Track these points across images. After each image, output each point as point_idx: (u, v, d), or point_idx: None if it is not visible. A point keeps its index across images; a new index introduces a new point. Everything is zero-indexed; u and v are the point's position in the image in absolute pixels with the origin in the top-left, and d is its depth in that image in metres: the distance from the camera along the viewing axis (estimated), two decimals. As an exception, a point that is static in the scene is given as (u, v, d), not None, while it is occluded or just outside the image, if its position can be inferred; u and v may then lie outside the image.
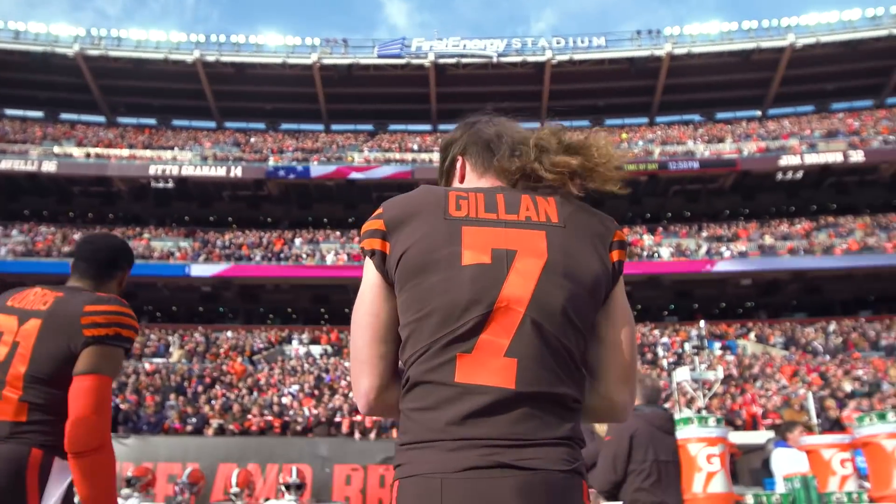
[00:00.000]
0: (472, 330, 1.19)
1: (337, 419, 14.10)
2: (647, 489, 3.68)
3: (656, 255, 27.60)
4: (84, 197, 33.19)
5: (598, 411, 1.36)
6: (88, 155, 31.13)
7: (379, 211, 1.36)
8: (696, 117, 37.40)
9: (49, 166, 29.86)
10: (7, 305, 2.18)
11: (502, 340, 1.19)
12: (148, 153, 31.78)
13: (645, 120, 37.66)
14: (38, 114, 37.06)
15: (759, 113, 36.61)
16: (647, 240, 29.26)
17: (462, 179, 1.49)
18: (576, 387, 1.25)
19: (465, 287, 1.20)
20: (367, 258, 1.32)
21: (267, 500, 7.89)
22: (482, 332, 1.19)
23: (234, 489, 7.38)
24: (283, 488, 7.69)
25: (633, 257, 27.65)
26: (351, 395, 16.27)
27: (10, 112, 36.80)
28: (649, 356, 22.30)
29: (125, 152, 31.70)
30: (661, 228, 30.77)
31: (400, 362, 1.29)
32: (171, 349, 22.57)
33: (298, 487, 7.62)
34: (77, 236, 29.11)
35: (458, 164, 1.51)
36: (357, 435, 13.39)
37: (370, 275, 1.31)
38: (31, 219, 31.81)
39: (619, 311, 1.37)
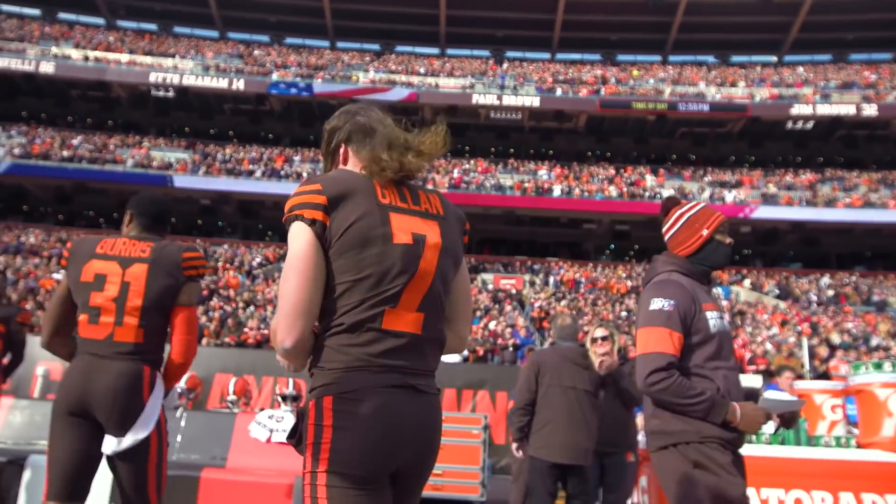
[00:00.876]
0: (398, 292, 1.63)
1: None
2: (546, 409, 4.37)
3: (658, 196, 27.48)
4: (83, 101, 32.55)
5: (451, 345, 1.84)
6: (87, 58, 30.36)
7: (317, 186, 1.66)
8: (711, 59, 36.53)
9: (46, 67, 29.13)
10: (100, 253, 2.69)
11: (415, 300, 1.66)
12: (148, 60, 30.99)
13: (658, 58, 36.79)
14: (36, 11, 35.87)
15: (774, 59, 35.80)
16: (650, 180, 29.07)
17: (345, 164, 1.86)
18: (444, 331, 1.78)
19: (397, 260, 1.63)
20: (303, 223, 1.62)
21: (262, 409, 8.04)
22: (403, 293, 1.64)
23: (231, 397, 7.48)
24: (279, 398, 7.83)
25: (634, 197, 27.56)
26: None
27: (6, 8, 35.62)
28: (643, 296, 22.52)
29: (125, 57, 30.90)
30: (664, 170, 30.52)
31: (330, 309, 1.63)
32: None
33: (295, 398, 7.75)
34: (76, 141, 28.72)
35: (342, 151, 1.88)
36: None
37: (309, 239, 1.61)
38: (28, 121, 31.25)
39: (464, 274, 1.87)
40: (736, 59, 36.27)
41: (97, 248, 2.70)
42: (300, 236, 1.61)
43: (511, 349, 13.70)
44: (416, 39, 36.92)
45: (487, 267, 25.72)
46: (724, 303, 21.97)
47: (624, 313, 19.34)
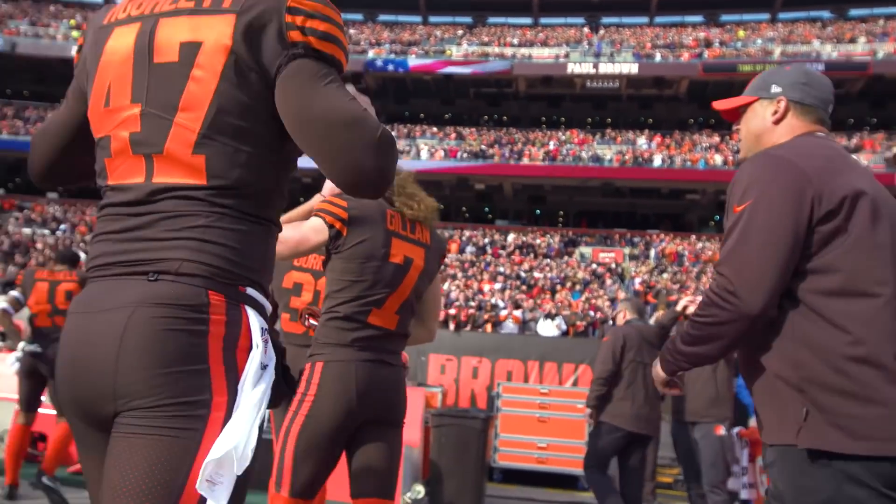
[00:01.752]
0: (383, 299, 2.20)
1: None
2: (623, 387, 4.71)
3: (767, 163, 26.08)
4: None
5: (422, 337, 2.55)
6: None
7: (344, 203, 2.20)
8: (825, 14, 34.03)
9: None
10: (296, 265, 3.15)
11: (395, 305, 2.24)
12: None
13: (766, 16, 34.63)
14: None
15: (900, 9, 32.93)
16: (758, 147, 27.57)
17: None
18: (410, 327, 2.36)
19: (388, 275, 2.21)
20: (323, 224, 2.17)
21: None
22: (387, 300, 2.21)
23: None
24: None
25: (741, 165, 26.29)
26: (447, 286, 16.67)
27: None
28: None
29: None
30: (774, 135, 28.85)
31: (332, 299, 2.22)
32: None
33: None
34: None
35: None
36: (451, 327, 13.80)
37: (323, 237, 2.18)
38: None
39: (436, 284, 2.51)
40: (855, 12, 33.60)
41: (294, 261, 3.10)
42: (320, 231, 2.18)
43: (612, 323, 13.46)
44: (508, 10, 36.38)
45: (586, 240, 25.31)
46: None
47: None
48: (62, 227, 24.26)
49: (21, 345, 4.92)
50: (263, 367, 1.12)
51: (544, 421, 7.72)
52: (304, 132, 1.11)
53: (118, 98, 1.16)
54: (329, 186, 2.34)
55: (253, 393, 1.09)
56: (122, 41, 1.18)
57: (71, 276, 5.07)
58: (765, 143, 1.78)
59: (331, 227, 2.17)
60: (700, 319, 1.61)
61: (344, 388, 2.12)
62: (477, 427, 6.26)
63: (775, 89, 1.81)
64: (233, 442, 1.03)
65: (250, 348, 1.11)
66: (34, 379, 4.95)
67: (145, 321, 1.04)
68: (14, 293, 5.12)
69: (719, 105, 1.96)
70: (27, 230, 23.77)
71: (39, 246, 20.74)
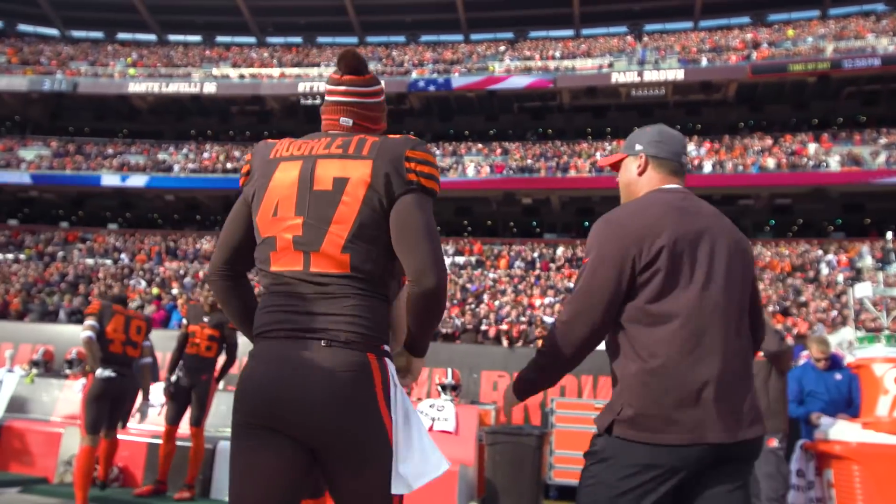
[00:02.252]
0: None
1: (483, 327, 14.44)
2: None
3: (824, 164, 25.23)
4: (242, 116, 35.17)
5: None
6: (243, 76, 32.73)
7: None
8: (880, 7, 32.91)
9: (209, 88, 31.75)
10: None
11: None
12: (296, 71, 32.87)
13: (816, 13, 33.72)
14: (197, 38, 39.22)
15: (959, -2, 31.64)
16: (813, 148, 26.72)
17: None
18: None
19: None
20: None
21: (420, 399, 8.30)
22: None
23: None
24: (439, 388, 8.05)
25: (795, 168, 25.48)
26: (498, 302, 16.59)
27: (173, 38, 39.24)
28: (811, 273, 20.78)
29: (276, 71, 32.98)
30: (829, 136, 27.93)
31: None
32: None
33: (454, 388, 7.96)
34: (238, 153, 31.11)
35: None
36: (504, 343, 13.69)
37: None
38: (196, 138, 34.29)
39: None
40: (911, 3, 32.44)
41: None
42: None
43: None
44: (549, 23, 36.37)
45: (636, 250, 24.89)
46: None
47: (789, 292, 17.94)
48: (122, 256, 25.12)
49: (99, 371, 5.19)
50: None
51: (563, 433, 7.60)
52: (403, 236, 1.65)
53: (285, 211, 1.70)
54: None
55: (407, 416, 1.68)
56: (289, 173, 1.73)
57: (139, 315, 5.83)
58: (634, 193, 2.09)
59: None
60: (541, 349, 1.97)
61: None
62: (532, 444, 6.18)
63: (637, 147, 2.09)
64: (415, 455, 1.65)
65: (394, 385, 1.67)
66: (102, 402, 5.25)
67: (344, 383, 1.58)
68: (91, 321, 5.37)
69: (603, 162, 2.25)
70: (90, 261, 24.71)
71: (101, 275, 21.51)
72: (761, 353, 5.04)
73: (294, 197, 1.70)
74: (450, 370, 8.18)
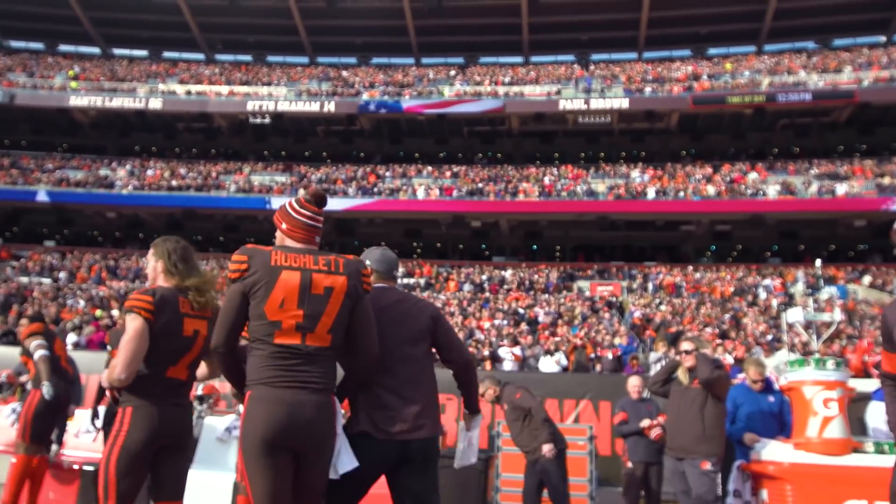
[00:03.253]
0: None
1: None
2: None
3: (761, 193, 26.25)
4: (188, 133, 34.54)
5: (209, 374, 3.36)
6: (189, 92, 32.21)
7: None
8: (811, 45, 34.66)
9: (155, 103, 31.13)
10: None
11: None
12: (245, 89, 32.55)
13: (752, 48, 35.27)
14: (143, 52, 38.47)
15: (883, 39, 33.55)
16: (752, 177, 27.79)
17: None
18: None
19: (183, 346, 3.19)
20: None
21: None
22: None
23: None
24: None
25: (734, 195, 26.43)
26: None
27: (118, 51, 38.41)
28: (749, 297, 21.50)
29: (224, 89, 32.58)
30: (765, 165, 29.12)
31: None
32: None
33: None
34: (183, 170, 30.50)
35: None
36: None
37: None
38: (140, 154, 33.50)
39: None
40: (839, 42, 34.24)
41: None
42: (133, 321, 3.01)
43: (611, 358, 13.39)
44: (499, 49, 37.03)
45: (583, 274, 25.33)
46: (839, 302, 20.68)
47: (727, 316, 18.51)
48: (60, 274, 24.24)
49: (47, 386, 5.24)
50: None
51: None
52: (362, 325, 2.70)
53: (289, 305, 2.55)
54: None
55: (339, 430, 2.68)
56: (292, 278, 2.57)
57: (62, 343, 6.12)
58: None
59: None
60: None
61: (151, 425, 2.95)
62: (478, 468, 6.19)
63: (368, 263, 2.98)
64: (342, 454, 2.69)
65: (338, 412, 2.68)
66: (50, 414, 5.47)
67: (328, 410, 2.57)
68: (40, 341, 5.48)
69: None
70: (24, 279, 23.76)
71: (35, 294, 20.69)
72: (697, 381, 5.19)
73: (296, 296, 2.56)
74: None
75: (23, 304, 18.86)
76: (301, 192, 2.91)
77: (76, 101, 30.97)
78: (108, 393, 3.52)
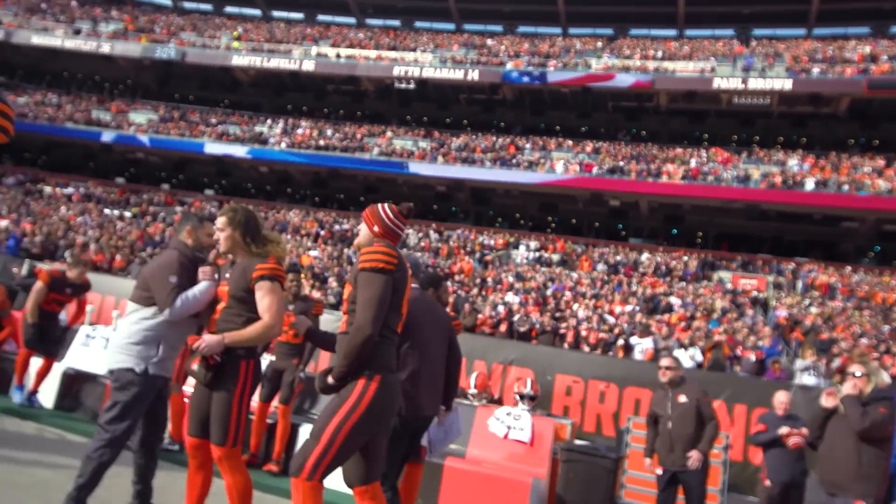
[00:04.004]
0: None
1: (562, 330, 14.32)
2: None
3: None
4: (337, 94, 35.89)
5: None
6: (340, 56, 33.33)
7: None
8: None
9: (308, 65, 32.54)
10: None
11: None
12: (392, 55, 33.22)
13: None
14: (300, 15, 40.19)
15: None
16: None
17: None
18: None
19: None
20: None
21: (494, 402, 8.30)
22: None
23: (473, 390, 7.88)
24: (517, 397, 8.03)
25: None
26: (578, 307, 16.43)
27: (277, 14, 40.37)
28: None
29: (373, 53, 33.44)
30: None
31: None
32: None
33: (532, 398, 7.95)
34: (330, 131, 31.81)
35: None
36: (586, 348, 13.56)
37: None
38: (293, 113, 35.26)
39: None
40: None
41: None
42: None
43: (753, 360, 12.67)
44: (651, 21, 35.35)
45: (725, 264, 24.03)
46: None
47: (886, 327, 16.88)
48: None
49: None
50: None
51: None
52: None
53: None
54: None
55: None
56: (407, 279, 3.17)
57: None
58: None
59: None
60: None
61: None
62: (607, 466, 6.13)
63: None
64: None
65: None
66: None
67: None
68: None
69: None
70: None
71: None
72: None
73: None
74: (529, 380, 8.16)
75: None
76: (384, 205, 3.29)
77: (238, 60, 32.97)
78: None
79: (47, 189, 28.80)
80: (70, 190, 28.90)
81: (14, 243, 17.69)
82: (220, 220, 3.45)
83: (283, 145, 30.48)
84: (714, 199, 25.39)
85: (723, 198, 25.31)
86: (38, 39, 34.16)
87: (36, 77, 37.43)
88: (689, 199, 25.85)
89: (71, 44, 34.10)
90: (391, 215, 3.18)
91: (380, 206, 3.24)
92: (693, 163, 27.02)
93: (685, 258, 23.73)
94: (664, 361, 5.63)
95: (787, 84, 27.18)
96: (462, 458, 6.13)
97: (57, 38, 34.20)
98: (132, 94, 37.02)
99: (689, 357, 12.73)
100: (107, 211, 26.24)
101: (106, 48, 33.93)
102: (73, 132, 31.47)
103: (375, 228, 3.16)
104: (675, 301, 17.98)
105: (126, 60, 34.54)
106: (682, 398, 5.39)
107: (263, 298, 3.27)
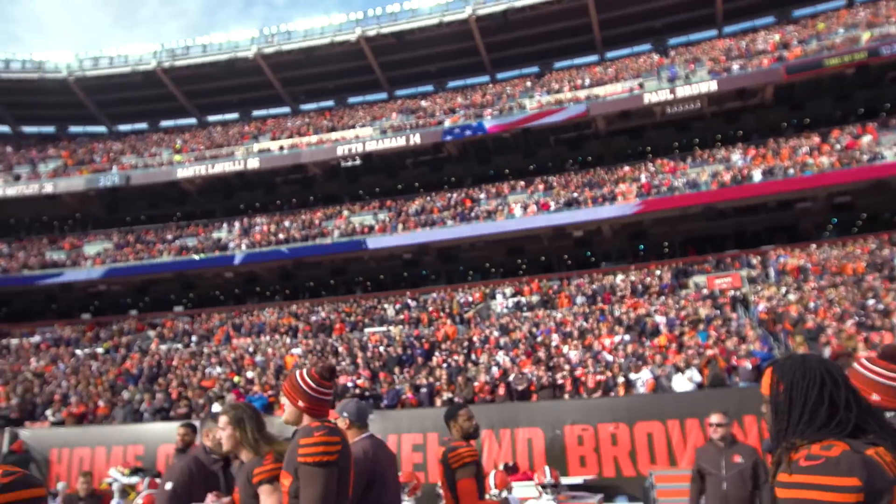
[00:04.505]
0: None
1: (560, 381, 14.34)
2: None
3: (879, 156, 24.53)
4: (286, 185, 36.13)
5: None
6: (282, 147, 33.70)
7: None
8: (909, -13, 32.13)
9: (253, 163, 32.78)
10: None
11: None
12: (333, 135, 33.70)
13: (842, 2, 33.18)
14: (234, 115, 40.66)
15: None
16: (866, 139, 26.04)
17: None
18: None
19: None
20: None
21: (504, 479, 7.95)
22: None
23: (494, 491, 7.30)
24: (539, 489, 7.77)
25: (850, 163, 24.82)
26: (568, 351, 16.49)
27: (212, 118, 40.79)
28: (885, 272, 20.03)
29: (314, 138, 33.87)
30: (878, 124, 27.17)
31: None
32: (388, 323, 24.13)
33: (555, 486, 7.71)
34: (287, 223, 31.89)
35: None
36: (584, 395, 13.58)
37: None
38: (245, 212, 35.33)
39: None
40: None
41: None
42: None
43: (749, 367, 12.83)
44: (572, 52, 36.65)
45: (697, 268, 24.45)
46: None
47: (869, 302, 17.19)
48: (192, 338, 25.82)
49: None
50: None
51: None
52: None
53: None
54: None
55: None
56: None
57: None
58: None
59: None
60: None
61: None
62: None
63: (345, 415, 3.54)
64: None
65: None
66: None
67: None
68: None
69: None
70: (164, 346, 25.45)
71: (175, 363, 22.01)
72: None
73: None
74: (547, 469, 7.91)
75: (167, 375, 20.19)
76: (305, 364, 3.14)
77: (183, 172, 33.08)
78: None
79: (14, 342, 28.17)
80: (37, 338, 28.29)
81: (-8, 415, 17.23)
82: (222, 420, 3.45)
83: (244, 246, 30.43)
84: (672, 209, 25.98)
85: (680, 206, 25.92)
86: (-22, 194, 33.91)
87: (-18, 231, 37.00)
88: (647, 214, 26.39)
89: (12, 191, 33.92)
90: (313, 385, 2.94)
91: (298, 375, 3.01)
92: (643, 178, 27.68)
93: (657, 271, 24.08)
94: (714, 418, 5.37)
95: (712, 85, 28.22)
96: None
97: (-3, 189, 33.99)
98: (83, 227, 36.75)
99: (687, 380, 12.85)
100: (78, 352, 25.71)
101: (49, 188, 33.81)
102: (30, 278, 31.03)
103: (301, 404, 2.94)
104: (659, 319, 18.16)
105: (71, 195, 34.40)
106: (739, 458, 5.23)
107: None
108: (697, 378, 12.72)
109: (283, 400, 3.00)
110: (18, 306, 33.17)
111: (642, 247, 29.92)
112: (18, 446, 12.39)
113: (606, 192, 27.10)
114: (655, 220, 27.31)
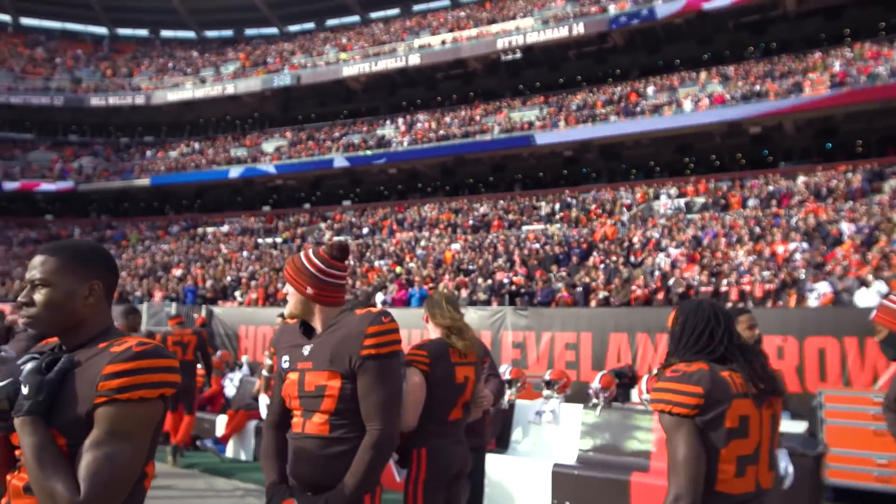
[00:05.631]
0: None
1: (723, 288, 13.66)
2: None
3: None
4: (447, 81, 36.09)
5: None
6: (444, 42, 33.40)
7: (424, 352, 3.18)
8: None
9: (414, 59, 32.93)
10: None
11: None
12: (494, 28, 32.80)
13: None
14: (395, 11, 40.70)
15: None
16: None
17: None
18: None
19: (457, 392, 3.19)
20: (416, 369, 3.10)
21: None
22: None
23: (645, 395, 6.54)
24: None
25: None
26: (735, 257, 15.58)
27: (374, 15, 41.17)
28: None
29: (473, 31, 33.21)
30: None
31: None
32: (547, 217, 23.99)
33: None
34: (448, 119, 32.10)
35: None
36: (750, 304, 12.87)
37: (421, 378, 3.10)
38: (408, 108, 35.95)
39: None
40: None
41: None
42: (413, 375, 3.05)
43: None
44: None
45: (895, 171, 21.67)
46: None
47: None
48: (364, 230, 27.35)
49: None
50: None
51: (881, 434, 6.63)
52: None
53: None
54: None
55: None
56: None
57: None
58: None
59: (422, 370, 3.16)
60: None
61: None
62: (808, 465, 5.26)
63: None
64: None
65: None
66: None
67: None
68: None
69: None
70: (339, 238, 27.21)
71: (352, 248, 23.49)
72: None
73: None
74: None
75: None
76: (310, 245, 2.88)
77: (348, 70, 34.03)
78: None
79: (210, 230, 31.46)
80: (226, 228, 31.38)
81: (191, 296, 19.61)
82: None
83: (406, 143, 31.17)
84: (871, 101, 22.93)
85: (881, 98, 22.75)
86: (172, 96, 37.23)
87: (178, 130, 40.83)
88: (841, 107, 23.52)
89: (200, 92, 36.82)
90: (323, 266, 2.33)
91: (303, 256, 2.39)
92: (837, 66, 24.52)
93: (848, 174, 21.68)
94: None
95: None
96: (646, 471, 5.93)
97: (188, 91, 37.07)
98: (261, 125, 39.41)
99: (875, 294, 11.71)
100: (260, 241, 28.23)
101: (230, 89, 36.31)
102: (220, 173, 34.05)
103: (309, 291, 2.32)
104: (845, 228, 16.51)
105: (249, 96, 36.75)
106: None
107: None
108: (886, 292, 11.54)
109: (287, 288, 2.38)
110: (210, 198, 36.76)
111: (829, 145, 26.93)
112: (201, 321, 14.33)
113: (792, 84, 24.38)
114: (849, 115, 24.31)
